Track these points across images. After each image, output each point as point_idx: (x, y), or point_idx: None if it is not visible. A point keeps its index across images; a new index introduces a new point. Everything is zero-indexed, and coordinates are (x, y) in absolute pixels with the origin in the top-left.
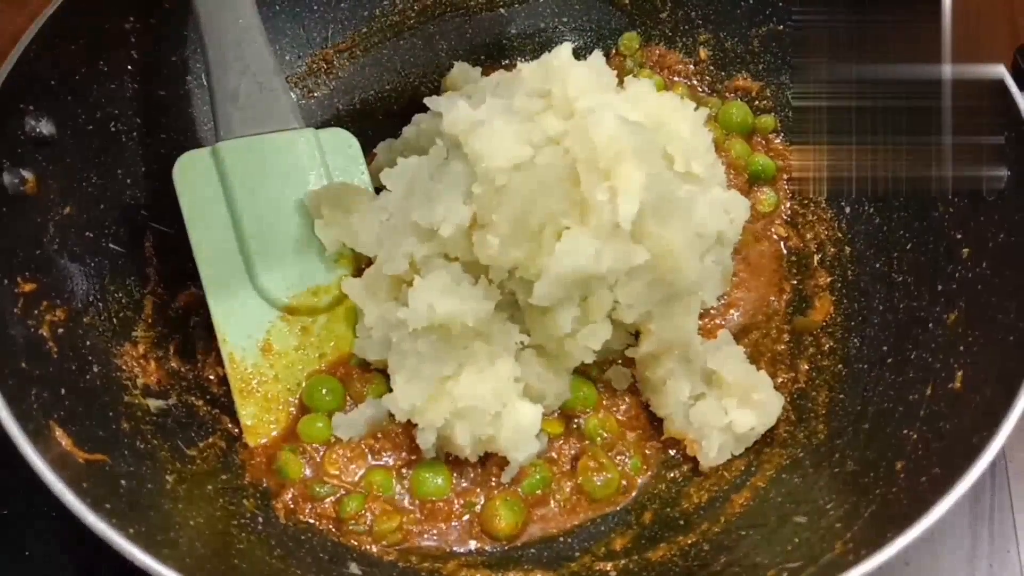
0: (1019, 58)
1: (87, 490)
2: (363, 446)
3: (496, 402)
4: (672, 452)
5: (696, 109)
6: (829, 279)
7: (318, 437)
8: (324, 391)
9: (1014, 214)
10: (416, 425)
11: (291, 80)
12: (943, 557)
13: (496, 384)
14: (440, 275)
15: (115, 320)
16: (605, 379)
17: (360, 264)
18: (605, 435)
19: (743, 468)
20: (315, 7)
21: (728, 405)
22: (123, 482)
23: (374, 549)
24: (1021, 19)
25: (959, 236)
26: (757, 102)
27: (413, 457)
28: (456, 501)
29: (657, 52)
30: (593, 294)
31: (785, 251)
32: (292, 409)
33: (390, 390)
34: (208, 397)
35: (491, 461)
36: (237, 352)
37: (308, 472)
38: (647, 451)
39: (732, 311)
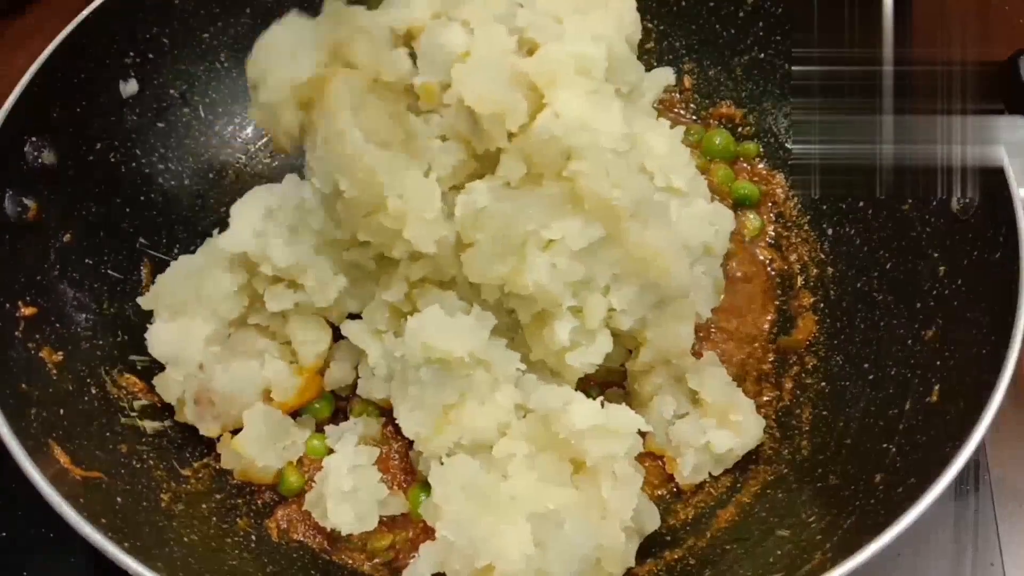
0: (1016, 67)
1: (84, 505)
2: None
3: (497, 433)
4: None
5: (672, 127)
6: (812, 299)
7: (316, 452)
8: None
9: (985, 231)
10: (412, 448)
11: None
12: (926, 571)
13: (497, 414)
14: (434, 310)
15: (113, 344)
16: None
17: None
18: None
19: (729, 484)
20: None
21: (707, 425)
22: (119, 499)
23: (366, 567)
24: (1020, 19)
25: (936, 255)
26: (740, 128)
27: (408, 476)
28: None
29: None
30: (588, 294)
31: (770, 273)
32: None
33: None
34: None
35: None
36: None
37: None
38: (645, 467)
39: (718, 332)
